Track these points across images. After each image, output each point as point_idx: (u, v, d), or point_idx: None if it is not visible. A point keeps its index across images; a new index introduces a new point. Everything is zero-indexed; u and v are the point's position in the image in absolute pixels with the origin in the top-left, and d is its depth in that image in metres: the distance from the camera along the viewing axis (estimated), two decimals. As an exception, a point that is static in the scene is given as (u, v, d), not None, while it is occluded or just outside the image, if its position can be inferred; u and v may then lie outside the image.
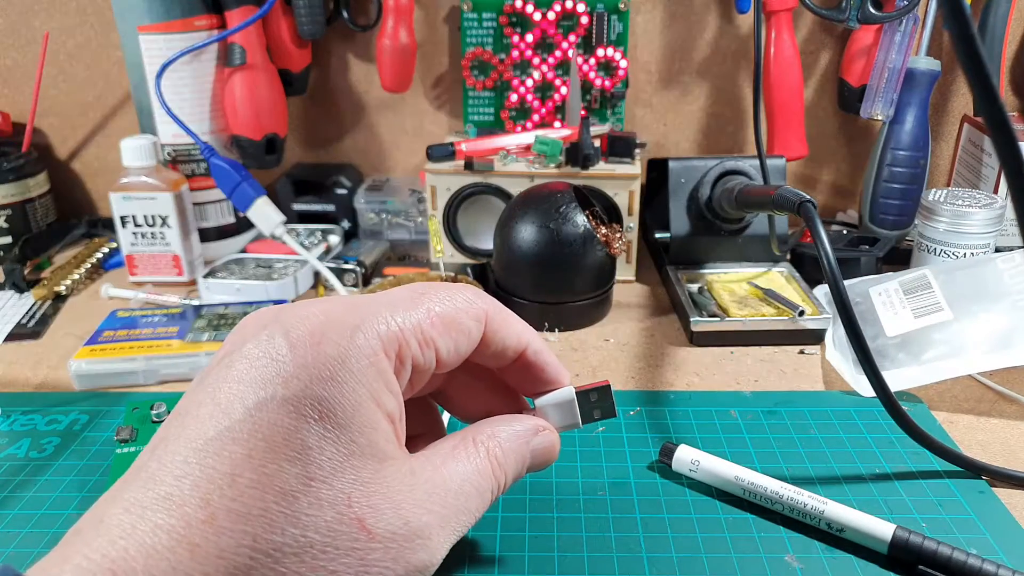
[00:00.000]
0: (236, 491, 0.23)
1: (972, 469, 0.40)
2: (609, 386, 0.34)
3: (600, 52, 0.70)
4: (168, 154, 0.67)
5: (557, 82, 0.71)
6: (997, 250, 0.59)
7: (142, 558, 0.22)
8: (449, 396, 0.35)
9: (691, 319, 0.54)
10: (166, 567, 0.22)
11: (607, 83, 0.71)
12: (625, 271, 0.65)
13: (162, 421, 0.42)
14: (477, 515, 0.29)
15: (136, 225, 0.64)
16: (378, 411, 0.26)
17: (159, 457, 0.24)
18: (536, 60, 0.70)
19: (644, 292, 0.64)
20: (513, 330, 0.31)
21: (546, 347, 0.33)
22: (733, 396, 0.48)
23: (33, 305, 0.63)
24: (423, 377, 0.29)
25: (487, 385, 0.34)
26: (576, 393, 0.33)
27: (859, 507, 0.36)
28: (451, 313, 0.29)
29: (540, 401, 0.34)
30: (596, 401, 0.34)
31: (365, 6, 0.73)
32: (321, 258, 0.65)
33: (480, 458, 0.29)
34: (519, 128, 0.72)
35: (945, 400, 0.48)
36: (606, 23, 0.69)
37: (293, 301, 0.61)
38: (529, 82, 0.71)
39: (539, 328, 0.57)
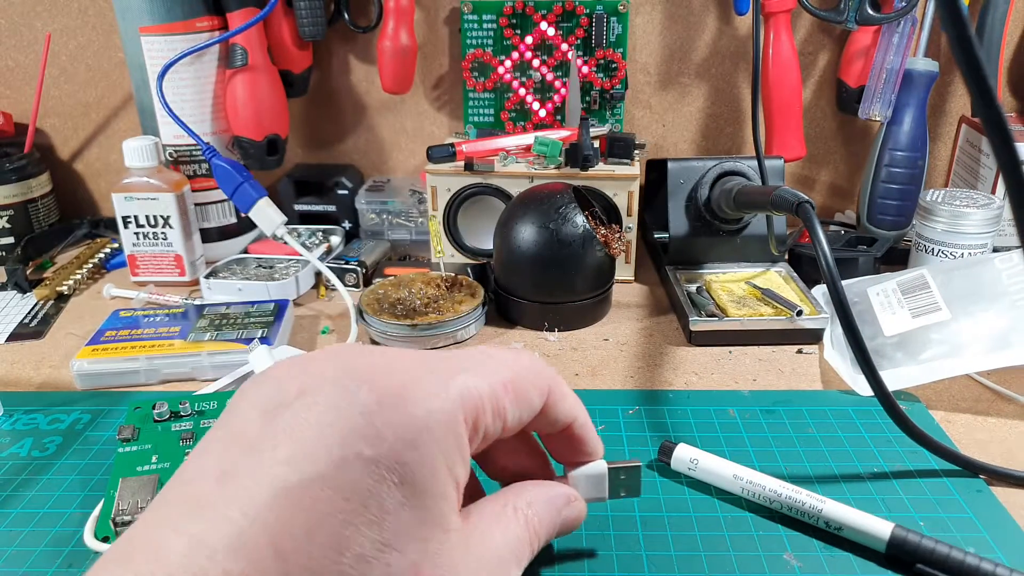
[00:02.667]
0: (312, 548, 0.22)
1: (970, 468, 0.41)
2: (640, 467, 0.35)
3: (599, 53, 0.70)
4: (170, 155, 0.67)
5: (557, 83, 0.71)
6: (995, 250, 0.59)
7: None
8: (488, 454, 0.34)
9: (690, 319, 0.54)
10: None
11: (606, 84, 0.71)
12: (624, 271, 0.66)
13: (164, 420, 0.42)
14: None
15: (138, 225, 0.64)
16: (450, 480, 0.26)
17: (230, 494, 0.23)
18: (536, 62, 0.71)
19: (643, 292, 0.64)
20: (568, 403, 0.31)
21: (590, 421, 0.33)
22: (731, 395, 0.49)
23: (35, 305, 0.63)
24: (484, 444, 0.29)
25: (525, 447, 0.35)
26: (608, 469, 0.34)
27: (857, 506, 0.36)
28: (522, 385, 0.29)
29: (575, 473, 0.34)
30: (624, 479, 0.35)
31: (366, 8, 0.73)
32: (322, 258, 0.65)
33: (520, 526, 0.30)
34: (519, 129, 0.72)
35: (943, 399, 0.48)
36: (605, 24, 0.69)
37: (293, 300, 0.62)
38: (529, 83, 0.71)
39: (539, 328, 0.58)
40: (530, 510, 0.30)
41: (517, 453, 0.34)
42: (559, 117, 0.72)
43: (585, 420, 0.33)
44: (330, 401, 0.25)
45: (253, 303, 0.58)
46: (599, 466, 0.34)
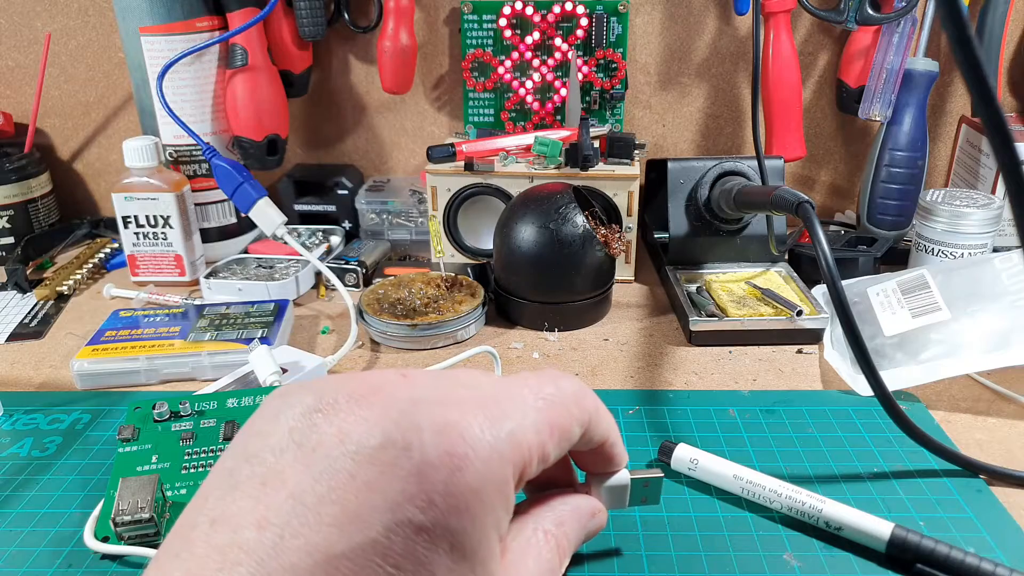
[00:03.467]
0: None
1: (970, 468, 0.41)
2: (662, 478, 0.35)
3: (599, 53, 0.70)
4: (170, 155, 0.67)
5: (557, 83, 0.71)
6: (995, 250, 0.59)
7: None
8: None
9: (690, 319, 0.54)
10: None
11: (606, 84, 0.71)
12: (624, 271, 0.66)
13: (164, 420, 0.42)
14: None
15: (138, 225, 0.64)
16: (496, 539, 0.26)
17: (273, 554, 0.22)
18: (536, 62, 0.71)
19: (643, 292, 0.64)
20: (602, 427, 0.31)
21: (620, 438, 0.33)
22: (731, 395, 0.49)
23: (35, 305, 0.63)
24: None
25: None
26: (631, 480, 0.34)
27: (857, 506, 0.36)
28: (566, 422, 0.28)
29: (599, 484, 0.34)
30: (646, 489, 0.35)
31: (366, 8, 0.73)
32: (322, 258, 0.65)
33: (551, 551, 0.29)
34: (519, 129, 0.72)
35: (943, 399, 0.48)
36: (605, 25, 0.69)
37: (294, 300, 0.61)
38: (529, 83, 0.71)
39: (539, 328, 0.58)
40: (559, 531, 0.30)
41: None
42: (559, 117, 0.72)
43: (616, 438, 0.32)
44: (376, 457, 0.23)
45: (253, 303, 0.58)
46: (623, 477, 0.34)
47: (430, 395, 0.26)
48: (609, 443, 0.32)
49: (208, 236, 0.70)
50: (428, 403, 0.25)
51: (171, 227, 0.64)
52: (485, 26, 0.71)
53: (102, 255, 0.72)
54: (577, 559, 0.35)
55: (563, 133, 0.67)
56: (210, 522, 0.23)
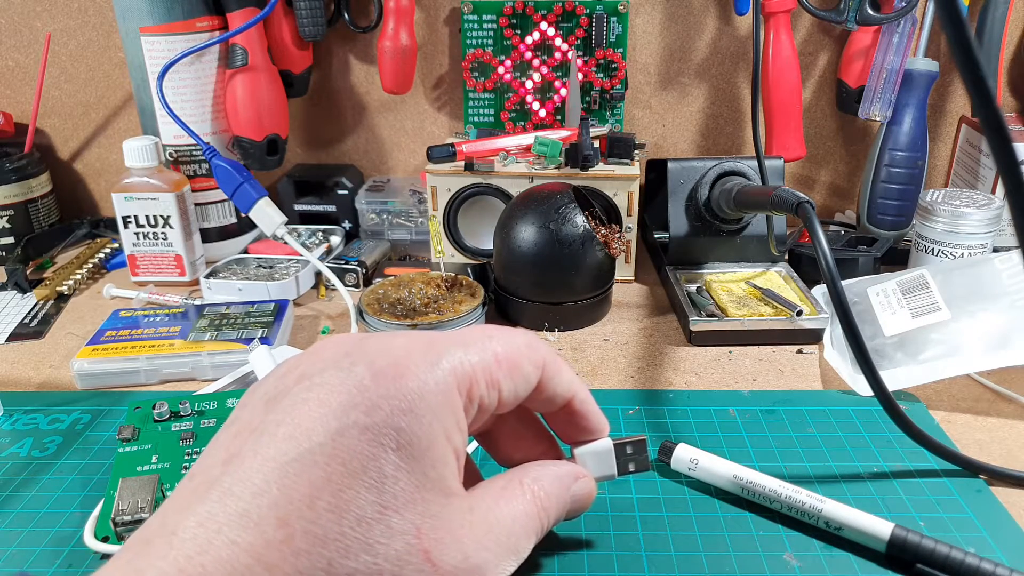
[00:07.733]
0: (314, 514, 0.24)
1: (970, 468, 0.41)
2: (645, 441, 0.35)
3: (599, 53, 0.70)
4: (170, 155, 0.67)
5: (557, 83, 0.71)
6: (995, 250, 0.59)
7: (220, 575, 0.22)
8: (494, 438, 0.35)
9: (690, 319, 0.54)
10: None
11: (606, 84, 0.71)
12: (624, 271, 0.66)
13: (164, 420, 0.42)
14: (522, 557, 0.30)
15: (138, 225, 0.64)
16: (448, 446, 0.27)
17: (234, 473, 0.24)
18: (536, 62, 0.71)
19: (643, 292, 0.64)
20: (564, 379, 0.32)
21: (591, 397, 0.34)
22: (731, 395, 0.49)
23: (35, 305, 0.63)
24: (482, 417, 0.30)
25: (531, 430, 0.35)
26: (613, 445, 0.35)
27: (857, 506, 0.36)
28: (515, 357, 0.30)
29: (579, 450, 0.34)
30: (632, 454, 0.35)
31: (366, 8, 0.73)
32: (322, 258, 0.65)
33: (527, 500, 0.30)
34: (519, 129, 0.72)
35: (943, 399, 0.48)
36: (605, 25, 0.69)
37: (294, 300, 0.62)
38: (529, 84, 0.71)
39: (539, 328, 0.58)
40: (536, 485, 0.31)
41: (523, 438, 0.35)
42: (559, 117, 0.72)
43: (585, 396, 0.33)
44: (327, 380, 0.26)
45: (253, 303, 0.58)
46: (604, 443, 0.34)
47: (384, 336, 0.29)
48: (578, 400, 0.33)
49: (208, 236, 0.70)
50: (376, 338, 0.28)
51: (171, 227, 0.64)
52: (485, 26, 0.71)
53: (102, 255, 0.72)
54: (577, 560, 0.35)
55: (563, 133, 0.67)
56: (190, 477, 0.26)
